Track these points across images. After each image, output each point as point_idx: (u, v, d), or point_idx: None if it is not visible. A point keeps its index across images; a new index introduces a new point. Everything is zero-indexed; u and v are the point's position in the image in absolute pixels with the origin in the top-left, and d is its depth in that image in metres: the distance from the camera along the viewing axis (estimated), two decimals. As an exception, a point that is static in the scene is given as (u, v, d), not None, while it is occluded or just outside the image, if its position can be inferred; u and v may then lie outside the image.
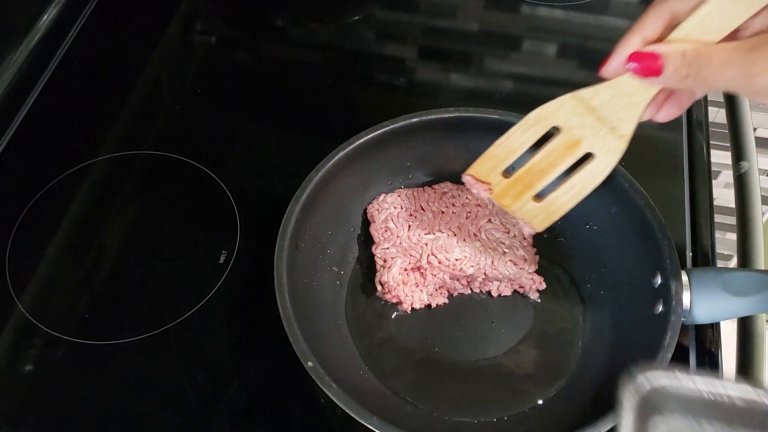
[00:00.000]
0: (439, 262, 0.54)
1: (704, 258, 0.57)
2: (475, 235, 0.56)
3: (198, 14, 0.78)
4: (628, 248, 0.53)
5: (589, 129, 0.42)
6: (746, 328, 0.53)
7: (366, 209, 0.58)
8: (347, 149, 0.55)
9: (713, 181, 0.63)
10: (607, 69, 0.40)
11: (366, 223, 0.58)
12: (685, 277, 0.48)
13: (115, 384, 0.52)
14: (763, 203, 0.62)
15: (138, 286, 0.57)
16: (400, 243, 0.55)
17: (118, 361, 0.53)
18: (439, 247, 0.55)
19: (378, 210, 0.57)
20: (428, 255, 0.54)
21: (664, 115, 0.43)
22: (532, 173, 0.46)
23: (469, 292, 0.55)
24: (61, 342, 0.53)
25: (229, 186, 0.62)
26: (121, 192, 0.63)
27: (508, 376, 0.51)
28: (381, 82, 0.73)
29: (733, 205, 0.62)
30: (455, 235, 0.56)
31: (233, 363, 0.52)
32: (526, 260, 0.55)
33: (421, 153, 0.58)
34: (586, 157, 0.45)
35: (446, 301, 0.55)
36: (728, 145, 0.67)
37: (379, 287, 0.55)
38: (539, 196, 0.48)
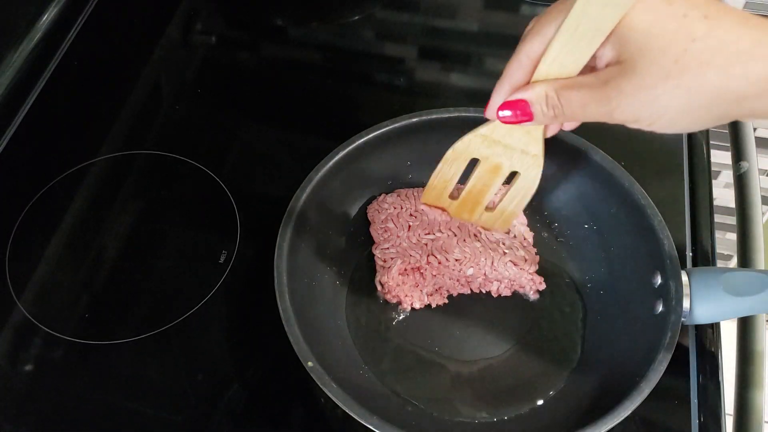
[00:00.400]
0: (439, 263, 0.54)
1: (704, 258, 0.57)
2: (475, 235, 0.56)
3: (198, 14, 0.78)
4: (628, 248, 0.53)
5: (503, 156, 0.47)
6: (746, 328, 0.53)
7: (366, 209, 0.58)
8: (347, 149, 0.55)
9: (713, 181, 0.62)
10: (488, 113, 0.42)
11: (366, 223, 0.58)
12: (685, 277, 0.48)
13: (115, 384, 0.52)
14: (763, 203, 0.61)
15: (138, 286, 0.57)
16: (400, 243, 0.55)
17: (118, 361, 0.53)
18: (439, 247, 0.55)
19: (378, 210, 0.57)
20: (428, 255, 0.54)
21: (570, 126, 0.44)
22: (473, 194, 0.51)
23: (469, 292, 0.55)
24: (61, 342, 0.53)
25: (229, 186, 0.62)
26: (121, 192, 0.63)
27: (507, 376, 0.51)
28: (381, 82, 0.73)
29: (733, 205, 0.62)
30: (455, 235, 0.56)
31: (233, 363, 0.52)
32: (526, 260, 0.55)
33: (421, 153, 0.58)
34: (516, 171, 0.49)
35: (446, 301, 0.55)
36: (728, 145, 0.67)
37: (379, 287, 0.55)
38: (491, 206, 0.53)
